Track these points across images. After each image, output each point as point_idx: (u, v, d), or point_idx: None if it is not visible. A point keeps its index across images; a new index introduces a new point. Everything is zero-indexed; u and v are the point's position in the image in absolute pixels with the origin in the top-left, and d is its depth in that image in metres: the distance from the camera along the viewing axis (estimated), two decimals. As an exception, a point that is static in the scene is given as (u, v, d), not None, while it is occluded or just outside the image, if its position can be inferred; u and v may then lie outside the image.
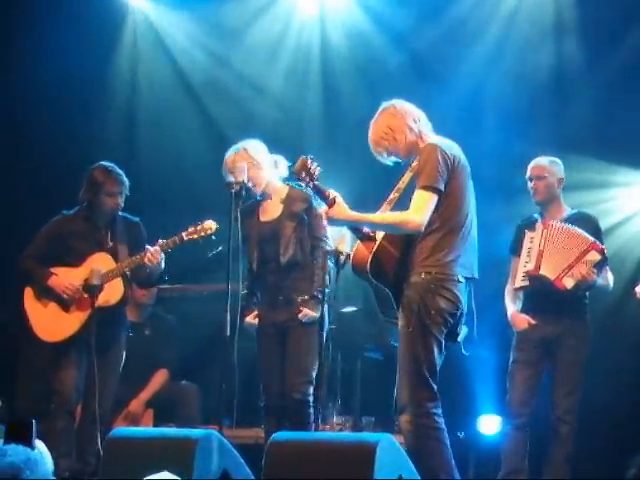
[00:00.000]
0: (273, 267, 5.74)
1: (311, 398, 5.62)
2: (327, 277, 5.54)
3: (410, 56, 7.70)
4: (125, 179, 5.97)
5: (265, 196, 5.83)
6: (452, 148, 4.86)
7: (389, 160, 4.99)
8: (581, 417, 6.02)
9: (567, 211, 6.18)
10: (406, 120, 4.91)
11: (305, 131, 7.85)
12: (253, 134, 5.90)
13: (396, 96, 5.06)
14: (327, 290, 5.54)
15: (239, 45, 8.06)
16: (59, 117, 7.75)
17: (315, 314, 5.62)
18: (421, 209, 4.71)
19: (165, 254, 5.82)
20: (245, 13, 7.97)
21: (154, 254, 5.76)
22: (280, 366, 5.72)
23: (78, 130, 7.80)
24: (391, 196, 4.92)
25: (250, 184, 5.66)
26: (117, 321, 6.00)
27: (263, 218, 5.84)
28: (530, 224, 6.12)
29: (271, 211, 5.83)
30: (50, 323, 5.90)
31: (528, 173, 6.18)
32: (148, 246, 5.83)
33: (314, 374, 5.63)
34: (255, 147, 5.79)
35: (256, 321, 5.80)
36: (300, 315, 5.65)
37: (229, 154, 5.77)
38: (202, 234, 5.80)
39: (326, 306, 5.57)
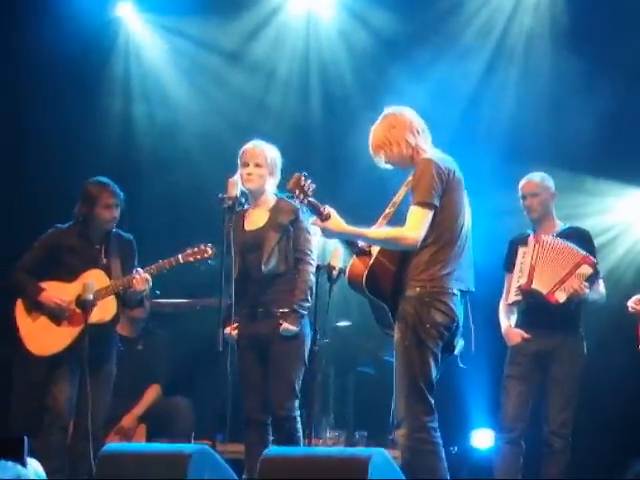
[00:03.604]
0: (254, 277, 5.67)
1: (297, 413, 5.57)
2: (309, 291, 5.55)
3: (406, 67, 7.73)
4: (120, 192, 5.98)
5: (253, 203, 5.77)
6: (447, 162, 4.84)
7: (388, 165, 4.97)
8: (576, 430, 6.02)
9: (559, 226, 6.19)
10: (405, 132, 4.86)
11: (304, 146, 7.89)
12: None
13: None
14: (308, 304, 5.54)
15: (236, 64, 8.10)
16: (56, 131, 7.81)
17: (295, 328, 5.56)
18: (416, 225, 4.70)
19: (160, 274, 5.85)
20: (240, 30, 8.02)
21: (140, 281, 5.78)
22: (259, 380, 5.65)
23: (76, 145, 7.84)
24: (387, 211, 4.91)
25: (255, 186, 5.67)
26: (108, 337, 5.97)
27: (248, 227, 5.77)
28: (522, 240, 6.13)
29: (256, 220, 5.76)
30: (41, 337, 5.88)
31: (521, 191, 6.19)
32: (139, 269, 5.84)
33: (298, 387, 5.60)
34: (277, 153, 5.78)
35: (235, 333, 5.70)
36: (281, 329, 5.58)
37: (257, 146, 5.74)
38: (199, 257, 5.83)
39: (304, 321, 5.57)
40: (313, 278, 5.51)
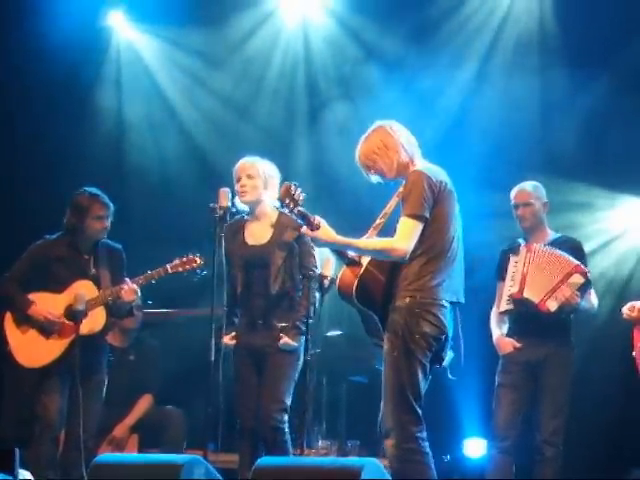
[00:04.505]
0: (258, 291, 5.68)
1: (286, 425, 5.58)
2: (312, 308, 5.53)
3: (395, 77, 7.74)
4: (110, 203, 5.97)
5: (252, 217, 5.79)
6: (438, 174, 4.85)
7: (373, 177, 4.97)
8: (569, 439, 6.02)
9: (551, 235, 6.20)
10: (401, 141, 4.91)
11: (291, 155, 7.90)
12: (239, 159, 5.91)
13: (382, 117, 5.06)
14: (310, 321, 5.53)
15: (225, 71, 8.12)
16: (44, 140, 7.81)
17: (294, 343, 5.59)
18: (406, 237, 4.71)
19: (149, 284, 5.84)
20: (230, 39, 8.04)
21: (128, 292, 5.78)
22: (254, 390, 5.66)
23: (65, 156, 7.84)
24: (377, 221, 4.92)
25: (250, 197, 5.67)
26: (98, 347, 5.95)
27: (250, 241, 5.76)
28: (514, 249, 6.14)
29: (259, 235, 5.75)
30: (31, 349, 5.85)
31: (513, 200, 6.20)
32: (127, 279, 5.84)
33: (289, 401, 5.60)
34: (271, 167, 5.80)
35: (233, 342, 5.72)
36: (280, 343, 5.60)
37: (249, 160, 5.75)
38: (187, 267, 5.84)
39: (303, 338, 5.57)
40: (317, 294, 5.52)
